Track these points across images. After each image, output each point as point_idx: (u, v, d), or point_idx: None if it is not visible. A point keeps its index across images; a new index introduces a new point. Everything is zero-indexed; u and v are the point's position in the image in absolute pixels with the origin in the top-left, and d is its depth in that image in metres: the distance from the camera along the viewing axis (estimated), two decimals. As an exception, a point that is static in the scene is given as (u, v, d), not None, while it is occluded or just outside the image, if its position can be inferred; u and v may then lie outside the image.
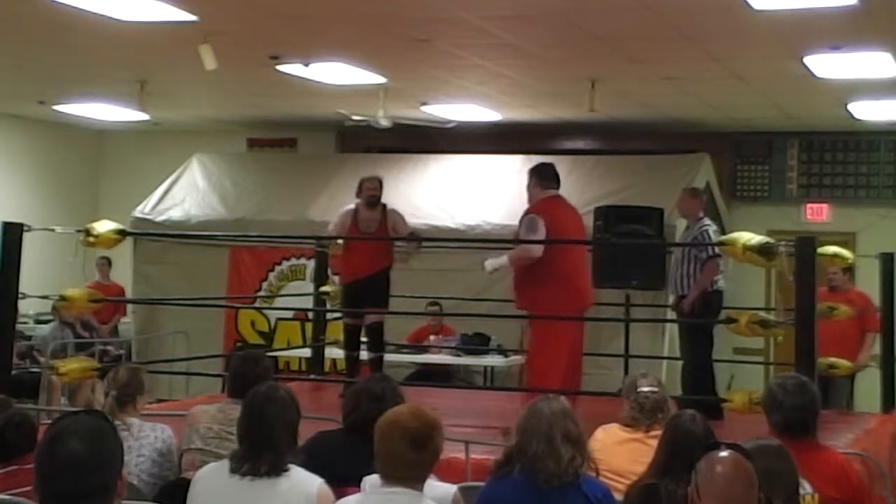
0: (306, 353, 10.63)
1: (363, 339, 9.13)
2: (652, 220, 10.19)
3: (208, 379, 10.13)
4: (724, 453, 3.24)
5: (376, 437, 3.69)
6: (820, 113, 11.86)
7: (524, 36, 8.63)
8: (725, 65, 9.41)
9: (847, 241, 11.52)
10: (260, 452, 4.04)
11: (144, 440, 5.26)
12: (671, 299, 8.76)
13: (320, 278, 9.87)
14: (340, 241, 8.93)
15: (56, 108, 13.14)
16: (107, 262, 12.87)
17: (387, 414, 3.77)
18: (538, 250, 7.31)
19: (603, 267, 9.37)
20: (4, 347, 7.27)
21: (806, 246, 6.58)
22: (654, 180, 11.39)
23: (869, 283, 9.42)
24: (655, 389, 5.16)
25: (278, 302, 12.48)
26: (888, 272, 8.79)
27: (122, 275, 13.05)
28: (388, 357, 10.57)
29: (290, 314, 12.36)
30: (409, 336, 11.21)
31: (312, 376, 9.63)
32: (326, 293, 9.60)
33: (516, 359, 11.00)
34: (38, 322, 12.69)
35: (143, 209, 13.06)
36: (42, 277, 10.77)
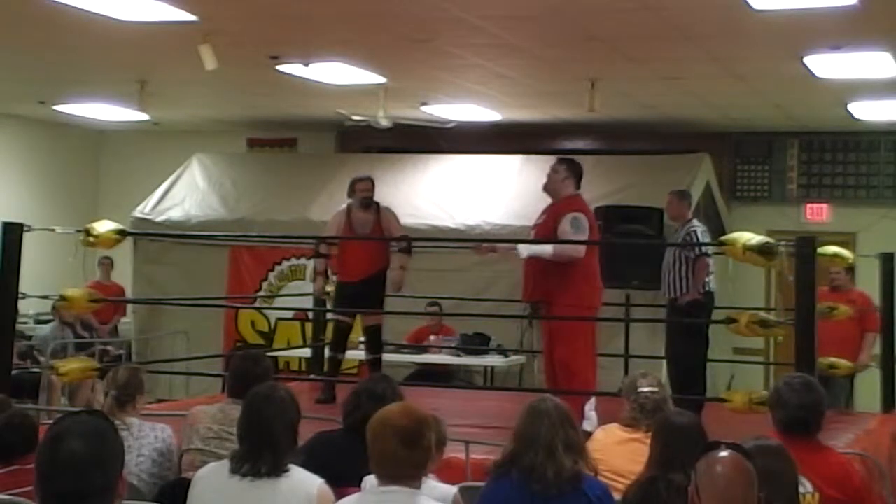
0: (306, 353, 10.63)
1: (360, 339, 9.12)
2: (652, 220, 10.20)
3: (208, 379, 10.14)
4: (724, 453, 3.25)
5: (368, 437, 3.67)
6: (820, 113, 11.86)
7: (524, 36, 8.63)
8: (725, 65, 9.41)
9: (847, 241, 11.51)
10: (260, 453, 4.04)
11: (144, 440, 5.27)
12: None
13: (320, 278, 9.86)
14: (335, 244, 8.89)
15: (56, 108, 13.14)
16: (109, 262, 12.88)
17: (378, 413, 3.75)
18: (583, 251, 7.25)
19: (603, 267, 9.36)
20: (4, 347, 7.26)
21: (806, 246, 6.57)
22: (654, 180, 11.38)
23: (869, 283, 9.42)
24: (655, 390, 5.16)
25: (278, 302, 12.48)
26: (888, 272, 8.79)
27: (123, 275, 13.05)
28: (388, 357, 10.57)
29: (290, 314, 12.35)
30: (409, 336, 11.21)
31: (312, 376, 9.62)
32: (327, 293, 9.60)
33: (516, 359, 11.01)
34: (38, 322, 12.69)
35: (143, 209, 13.06)
36: (42, 277, 10.78)
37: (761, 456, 3.59)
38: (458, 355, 10.88)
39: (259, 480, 4.00)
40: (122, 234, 7.69)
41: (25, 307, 9.82)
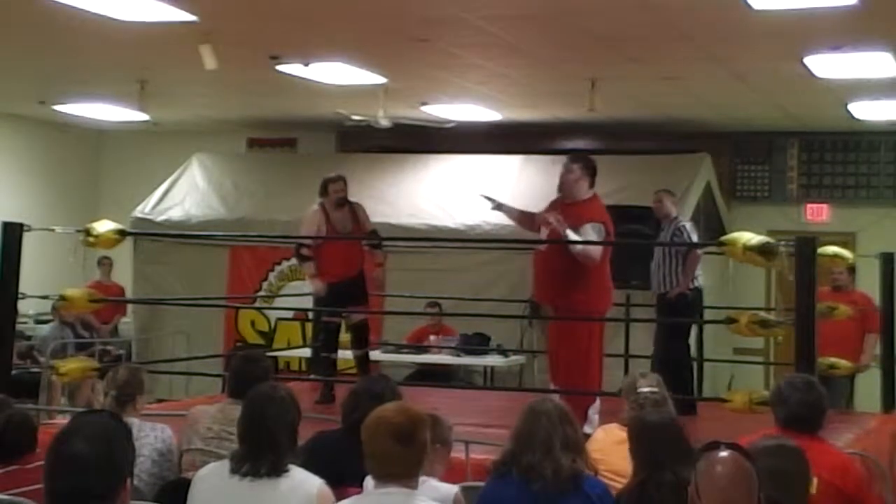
0: (306, 353, 10.63)
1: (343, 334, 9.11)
2: (652, 220, 10.18)
3: (208, 379, 10.13)
4: (724, 453, 3.24)
5: (364, 437, 3.67)
6: (820, 113, 11.86)
7: (524, 36, 8.63)
8: (725, 65, 9.41)
9: (847, 241, 11.52)
10: (260, 453, 4.04)
11: (144, 440, 5.26)
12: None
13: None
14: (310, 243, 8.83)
15: (56, 108, 13.13)
16: (109, 262, 12.88)
17: (372, 413, 3.75)
18: (600, 257, 7.21)
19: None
20: (4, 347, 7.27)
21: (806, 246, 6.57)
22: (654, 180, 11.35)
23: (869, 283, 9.42)
24: (655, 390, 5.16)
25: (278, 302, 12.48)
26: (888, 272, 8.79)
27: (123, 275, 13.06)
28: (388, 357, 10.60)
29: (290, 314, 12.35)
30: (409, 336, 11.21)
31: (312, 376, 9.62)
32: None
33: (516, 359, 11.01)
34: (38, 322, 12.70)
35: (143, 209, 13.06)
36: (42, 277, 10.79)
37: (776, 456, 3.61)
38: (458, 355, 10.88)
39: (259, 480, 4.00)
40: (122, 234, 7.68)
41: (25, 307, 9.83)
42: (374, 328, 10.53)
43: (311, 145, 14.54)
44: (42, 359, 10.85)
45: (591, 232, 7.20)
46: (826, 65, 9.07)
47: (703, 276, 8.99)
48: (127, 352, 12.39)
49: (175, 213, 12.97)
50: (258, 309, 12.74)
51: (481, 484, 4.47)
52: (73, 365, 7.61)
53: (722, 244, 6.82)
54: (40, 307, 12.09)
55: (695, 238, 9.09)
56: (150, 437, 5.32)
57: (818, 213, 13.13)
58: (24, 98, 12.77)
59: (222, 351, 11.79)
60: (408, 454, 3.62)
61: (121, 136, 15.25)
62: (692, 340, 11.00)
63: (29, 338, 12.04)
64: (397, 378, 8.40)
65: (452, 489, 4.29)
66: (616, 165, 12.17)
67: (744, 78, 9.96)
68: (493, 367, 10.97)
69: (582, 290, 7.22)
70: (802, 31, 8.08)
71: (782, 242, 6.66)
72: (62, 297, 7.78)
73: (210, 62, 8.59)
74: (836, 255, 7.86)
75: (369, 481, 3.91)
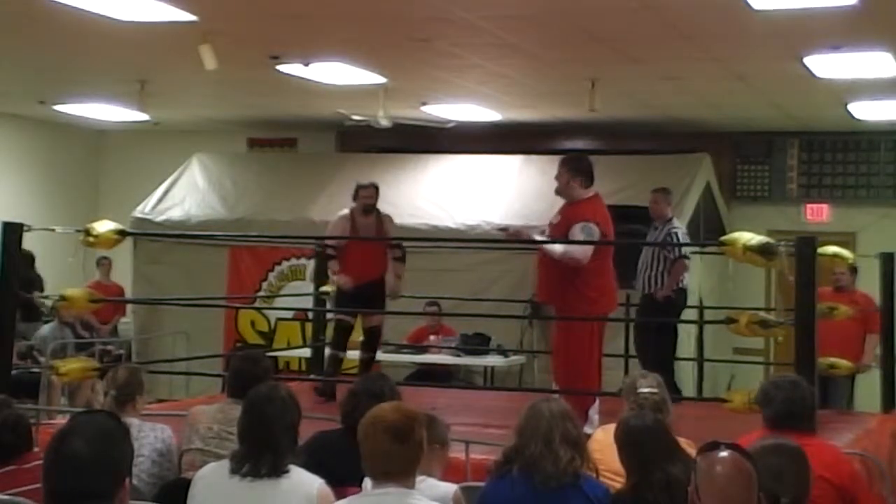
0: (306, 353, 10.63)
1: (361, 339, 9.14)
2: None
3: (208, 379, 10.13)
4: (723, 453, 3.24)
5: (360, 438, 3.67)
6: (820, 113, 11.86)
7: (524, 36, 8.63)
8: (725, 65, 9.41)
9: (847, 241, 11.52)
10: (260, 453, 4.04)
11: (144, 440, 5.26)
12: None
13: (320, 278, 9.87)
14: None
15: (56, 108, 13.14)
16: (108, 262, 12.87)
17: (368, 413, 3.75)
18: (587, 259, 7.13)
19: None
20: (4, 347, 7.26)
21: (806, 246, 6.57)
22: (654, 180, 11.36)
23: (869, 283, 9.41)
24: (655, 390, 5.16)
25: (278, 302, 12.48)
26: (888, 272, 8.78)
27: (123, 275, 13.05)
28: (388, 357, 10.59)
29: (290, 314, 12.36)
30: (409, 336, 11.21)
31: (312, 376, 9.62)
32: (326, 293, 9.60)
33: (516, 359, 11.01)
34: (38, 322, 12.68)
35: (143, 209, 13.06)
36: (42, 277, 10.80)
37: (776, 455, 3.62)
38: (458, 355, 10.89)
39: (259, 480, 4.00)
40: (122, 234, 7.68)
41: (25, 307, 9.81)
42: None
43: (311, 145, 14.55)
44: (42, 359, 10.84)
45: (578, 233, 7.14)
46: (826, 65, 9.07)
47: (690, 278, 9.15)
48: (127, 352, 12.38)
49: (175, 213, 12.97)
50: (258, 309, 12.74)
51: (481, 484, 4.48)
52: (73, 365, 7.60)
53: (722, 244, 6.82)
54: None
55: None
56: (150, 437, 5.32)
57: (818, 213, 13.13)
58: (24, 98, 12.77)
59: (222, 351, 11.79)
60: (404, 452, 3.62)
61: (121, 136, 15.25)
62: (691, 340, 11.01)
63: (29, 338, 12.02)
64: (397, 378, 8.39)
65: (451, 488, 4.29)
66: (616, 165, 12.18)
67: (744, 78, 9.96)
68: (493, 367, 10.98)
69: (581, 290, 7.20)
70: (802, 31, 8.08)
71: (782, 242, 6.66)
72: (62, 297, 7.78)
73: (210, 62, 8.59)
74: (836, 255, 7.87)
75: (368, 481, 3.91)
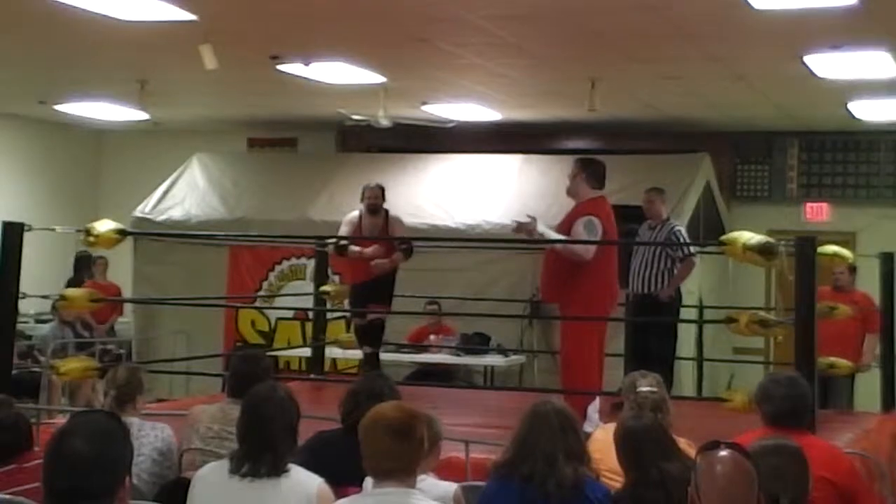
0: (306, 353, 10.63)
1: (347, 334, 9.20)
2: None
3: (208, 379, 10.13)
4: (723, 453, 3.24)
5: (361, 437, 3.67)
6: (820, 113, 11.86)
7: (524, 36, 8.63)
8: (725, 65, 9.41)
9: (847, 241, 11.50)
10: (260, 453, 4.04)
11: (144, 440, 5.26)
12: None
13: (320, 278, 9.87)
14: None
15: (56, 108, 13.13)
16: (104, 262, 12.87)
17: (368, 413, 3.76)
18: (589, 254, 7.19)
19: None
20: (4, 347, 7.26)
21: (806, 246, 6.57)
22: (655, 180, 11.35)
23: (869, 283, 9.41)
24: (654, 390, 5.16)
25: (278, 302, 12.48)
26: (888, 272, 8.78)
27: (123, 275, 13.05)
28: (388, 357, 10.58)
29: (290, 314, 12.36)
30: (409, 336, 11.21)
31: (312, 376, 9.63)
32: (326, 293, 9.61)
33: (516, 359, 11.02)
34: (38, 322, 12.69)
35: (144, 209, 13.05)
36: (42, 277, 10.79)
37: (776, 455, 3.62)
38: (458, 355, 10.89)
39: (259, 480, 4.00)
40: (122, 233, 7.68)
41: (25, 307, 9.80)
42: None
43: (312, 145, 14.54)
44: (42, 358, 10.85)
45: (581, 226, 7.23)
46: (826, 64, 9.07)
47: (688, 278, 9.18)
48: (127, 351, 12.39)
49: (175, 213, 12.97)
50: (258, 309, 12.74)
51: (481, 484, 4.47)
52: (73, 364, 7.60)
53: (722, 244, 6.82)
54: (40, 307, 12.09)
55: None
56: (151, 436, 5.32)
57: (818, 213, 13.13)
58: (24, 98, 12.77)
59: (222, 351, 11.79)
60: (405, 450, 3.62)
61: (121, 135, 15.25)
62: (691, 340, 11.03)
63: (29, 337, 12.03)
64: (397, 378, 8.39)
65: (452, 486, 4.29)
66: (616, 165, 12.11)
67: (744, 78, 9.96)
68: (493, 367, 10.98)
69: (581, 288, 7.22)
70: (803, 30, 8.09)
71: (782, 242, 6.66)
72: (62, 297, 7.78)
73: (210, 62, 8.59)
74: (835, 255, 7.86)
75: (369, 481, 3.91)
